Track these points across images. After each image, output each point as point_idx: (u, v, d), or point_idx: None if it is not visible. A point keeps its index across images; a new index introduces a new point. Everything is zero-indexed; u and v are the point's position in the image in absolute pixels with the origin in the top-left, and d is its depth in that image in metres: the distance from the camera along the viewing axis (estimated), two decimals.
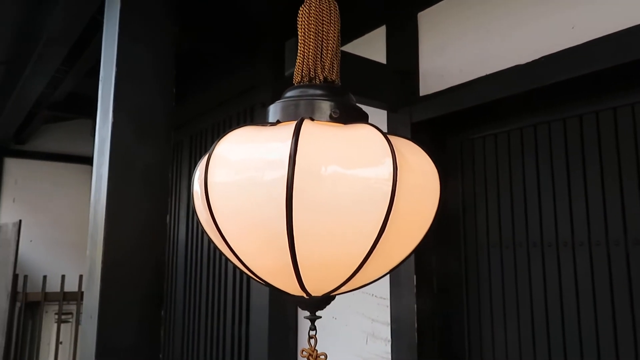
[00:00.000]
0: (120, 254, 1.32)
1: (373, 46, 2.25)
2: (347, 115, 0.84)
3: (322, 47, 0.90)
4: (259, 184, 0.72)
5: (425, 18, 2.06)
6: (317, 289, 0.81)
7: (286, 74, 1.72)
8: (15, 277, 3.74)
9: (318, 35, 0.90)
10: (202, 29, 2.12)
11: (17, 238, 3.67)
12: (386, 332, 2.02)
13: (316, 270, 0.77)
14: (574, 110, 1.64)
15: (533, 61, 1.64)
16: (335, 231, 0.73)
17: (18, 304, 4.04)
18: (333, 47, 0.91)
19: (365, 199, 0.71)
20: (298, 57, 0.92)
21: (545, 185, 1.69)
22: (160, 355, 1.37)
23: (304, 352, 0.85)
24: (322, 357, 0.84)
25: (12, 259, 3.68)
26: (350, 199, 0.71)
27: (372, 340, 2.09)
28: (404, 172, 0.74)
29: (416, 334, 1.83)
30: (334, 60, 0.91)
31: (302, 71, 0.90)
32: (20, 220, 3.74)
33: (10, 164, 4.94)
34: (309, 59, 0.90)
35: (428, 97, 1.95)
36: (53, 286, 4.29)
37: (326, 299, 0.83)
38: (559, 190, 1.66)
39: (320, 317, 0.87)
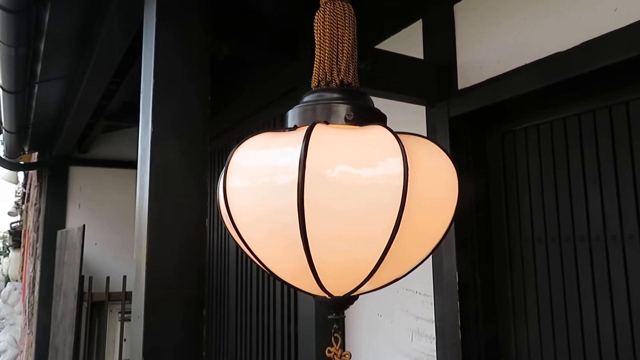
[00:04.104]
0: (162, 257, 1.39)
1: (410, 41, 2.23)
2: (363, 117, 0.85)
3: (337, 50, 0.91)
4: (272, 189, 0.74)
5: (461, 9, 2.02)
6: (337, 290, 0.82)
7: None
8: (81, 278, 3.97)
9: (333, 39, 0.92)
10: (240, 34, 2.17)
11: (81, 242, 3.89)
12: (431, 329, 2.00)
13: (334, 272, 0.78)
14: (619, 97, 1.57)
15: (574, 47, 1.58)
16: (349, 233, 0.74)
17: (85, 304, 4.30)
18: (348, 50, 0.91)
19: (377, 200, 0.72)
20: (315, 62, 0.93)
21: (591, 177, 1.62)
22: (204, 353, 1.42)
23: (329, 351, 0.87)
24: (347, 356, 0.85)
25: (77, 261, 3.91)
26: (362, 201, 0.72)
27: (418, 338, 2.08)
28: (417, 172, 0.74)
29: (460, 331, 1.80)
30: (349, 63, 0.92)
31: (319, 75, 0.92)
32: (84, 225, 3.96)
33: (75, 172, 5.25)
34: (324, 63, 0.91)
35: (466, 90, 1.92)
36: (116, 286, 4.53)
37: (348, 299, 0.85)
38: (606, 181, 1.58)
39: (345, 316, 0.88)
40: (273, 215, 0.75)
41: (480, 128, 1.98)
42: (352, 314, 2.48)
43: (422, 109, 2.12)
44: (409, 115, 2.17)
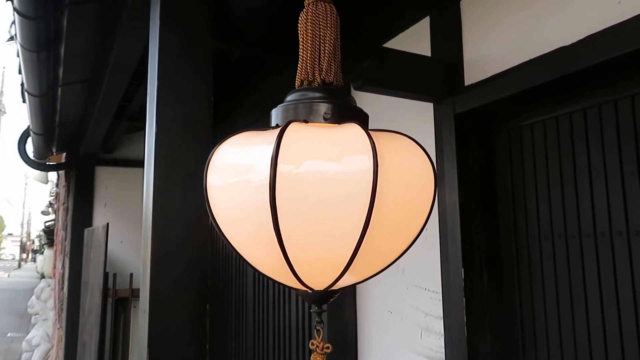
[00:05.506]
0: (166, 254, 1.43)
1: (418, 38, 2.23)
2: (342, 115, 0.87)
3: (319, 50, 0.93)
4: (248, 187, 0.77)
5: (468, 5, 2.01)
6: (317, 284, 0.85)
7: None
8: (106, 275, 4.09)
9: (315, 40, 0.93)
10: (249, 35, 2.20)
11: (105, 240, 4.01)
12: (439, 326, 2.00)
13: (310, 267, 0.81)
14: (624, 91, 1.54)
15: (578, 41, 1.56)
16: (322, 229, 0.76)
17: (110, 300, 4.43)
18: (330, 50, 0.93)
19: (347, 196, 0.74)
20: (299, 62, 0.95)
21: (597, 172, 1.60)
22: (207, 346, 1.46)
23: (312, 344, 0.89)
24: (327, 348, 0.87)
25: (102, 258, 4.03)
26: (333, 197, 0.74)
27: (427, 334, 2.08)
28: (388, 168, 0.75)
29: (466, 328, 1.80)
30: (331, 62, 0.93)
31: (302, 75, 0.94)
32: (107, 223, 4.08)
33: (101, 172, 5.40)
34: (307, 63, 0.93)
35: (471, 87, 1.91)
36: (140, 283, 4.64)
37: (328, 294, 0.87)
38: (612, 176, 1.56)
39: (326, 310, 0.90)
40: (249, 213, 0.78)
41: (486, 124, 1.97)
42: (363, 310, 2.49)
43: (429, 106, 2.12)
44: (419, 112, 2.17)
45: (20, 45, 2.55)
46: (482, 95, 1.84)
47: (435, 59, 2.07)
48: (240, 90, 3.58)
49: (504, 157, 1.92)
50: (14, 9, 2.21)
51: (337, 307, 2.52)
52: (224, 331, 4.05)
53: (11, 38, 2.84)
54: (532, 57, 1.70)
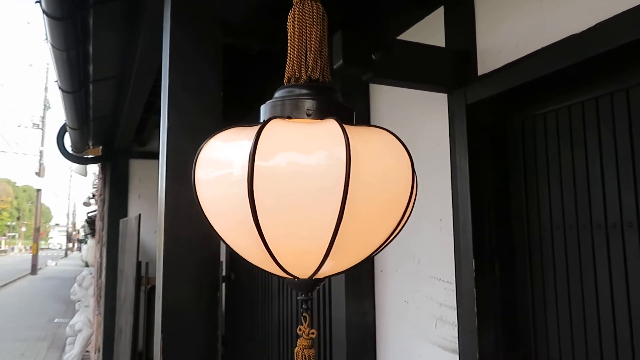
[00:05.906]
0: (177, 244, 1.50)
1: (433, 29, 2.22)
2: (325, 111, 0.89)
3: (305, 48, 0.96)
4: (230, 182, 0.81)
5: None
6: (301, 273, 0.88)
7: (335, 67, 1.79)
8: (139, 264, 4.25)
9: (302, 38, 0.96)
10: (263, 30, 2.25)
11: (138, 230, 4.16)
12: (453, 316, 2.01)
13: (291, 257, 0.84)
14: (636, 79, 1.51)
15: (588, 29, 1.53)
16: (298, 222, 0.79)
17: (142, 288, 4.60)
18: (316, 47, 0.96)
19: (321, 189, 0.77)
20: (287, 59, 0.98)
21: (609, 162, 1.57)
22: (218, 332, 1.53)
23: (299, 329, 0.93)
24: (312, 334, 0.91)
25: (135, 248, 4.19)
26: (307, 191, 0.77)
27: (441, 324, 2.09)
28: (361, 162, 0.78)
29: (476, 318, 1.81)
30: (317, 59, 0.96)
31: (289, 72, 0.97)
32: (139, 214, 4.23)
33: (134, 164, 5.58)
34: (294, 60, 0.96)
35: (484, 76, 1.89)
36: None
37: (314, 282, 0.90)
38: (623, 167, 1.53)
39: (312, 297, 0.94)
40: (232, 206, 0.82)
41: (499, 114, 1.95)
42: (381, 299, 2.52)
43: (444, 97, 2.11)
44: (437, 102, 2.16)
45: (51, 44, 2.67)
46: (493, 84, 1.82)
47: (446, 49, 2.06)
48: (259, 84, 3.63)
49: (517, 147, 1.90)
50: (42, 11, 2.32)
51: (357, 297, 2.55)
52: (253, 313, 4.14)
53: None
54: (544, 45, 1.68)
